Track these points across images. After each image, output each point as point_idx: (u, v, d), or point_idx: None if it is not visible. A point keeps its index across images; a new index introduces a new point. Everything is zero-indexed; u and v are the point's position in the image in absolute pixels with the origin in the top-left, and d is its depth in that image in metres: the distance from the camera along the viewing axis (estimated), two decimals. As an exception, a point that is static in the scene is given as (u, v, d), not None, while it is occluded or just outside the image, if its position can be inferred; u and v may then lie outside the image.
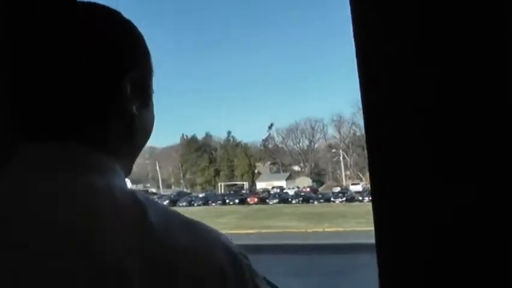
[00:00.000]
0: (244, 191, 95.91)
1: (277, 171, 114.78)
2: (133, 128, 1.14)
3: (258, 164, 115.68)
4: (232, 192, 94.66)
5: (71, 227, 0.91)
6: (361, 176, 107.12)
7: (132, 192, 1.01)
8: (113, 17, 1.14)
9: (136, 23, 1.16)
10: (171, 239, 0.96)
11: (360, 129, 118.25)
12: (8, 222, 0.92)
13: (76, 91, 1.06)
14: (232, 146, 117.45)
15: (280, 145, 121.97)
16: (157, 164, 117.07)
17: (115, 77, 1.09)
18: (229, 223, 51.65)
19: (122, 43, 1.11)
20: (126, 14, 1.18)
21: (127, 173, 1.17)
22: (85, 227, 0.91)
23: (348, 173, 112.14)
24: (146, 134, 1.19)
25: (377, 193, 1.48)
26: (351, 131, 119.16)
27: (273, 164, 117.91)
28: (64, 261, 0.87)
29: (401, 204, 1.42)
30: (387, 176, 1.43)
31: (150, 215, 0.96)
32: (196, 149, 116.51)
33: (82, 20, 1.09)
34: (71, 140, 1.06)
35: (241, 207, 72.79)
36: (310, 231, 43.37)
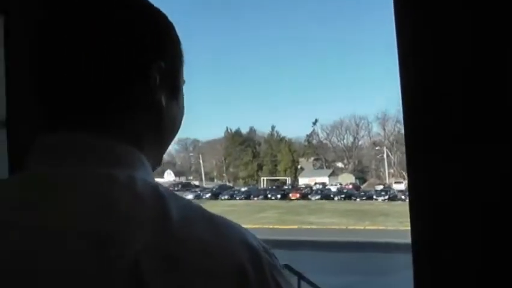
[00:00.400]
0: (286, 187, 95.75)
1: (320, 167, 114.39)
2: (160, 119, 1.09)
3: (301, 160, 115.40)
4: (274, 187, 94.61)
5: (88, 220, 0.88)
6: (405, 174, 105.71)
7: (155, 186, 0.98)
8: (141, 4, 1.10)
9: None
10: (191, 234, 0.92)
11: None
12: (20, 215, 0.90)
13: (98, 78, 1.01)
14: (276, 140, 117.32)
15: (324, 141, 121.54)
16: (201, 157, 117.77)
17: (141, 65, 1.05)
18: (271, 218, 51.73)
19: (150, 31, 1.07)
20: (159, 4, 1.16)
21: (156, 165, 1.14)
22: (102, 220, 0.89)
23: (391, 171, 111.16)
24: (175, 127, 1.16)
25: (414, 192, 1.54)
26: (396, 129, 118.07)
27: (316, 159, 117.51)
28: (79, 255, 0.86)
29: (437, 205, 1.45)
30: (424, 174, 1.46)
31: (171, 209, 0.93)
32: (240, 143, 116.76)
33: (109, 5, 1.05)
34: (92, 130, 1.01)
35: (283, 203, 72.67)
36: (352, 228, 43.17)
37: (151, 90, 1.05)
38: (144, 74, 1.04)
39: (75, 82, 1.00)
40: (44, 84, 1.02)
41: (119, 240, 0.87)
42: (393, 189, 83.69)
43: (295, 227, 44.61)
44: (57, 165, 0.97)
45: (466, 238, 1.41)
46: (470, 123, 1.38)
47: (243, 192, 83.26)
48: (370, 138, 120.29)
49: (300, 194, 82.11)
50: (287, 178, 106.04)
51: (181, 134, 1.25)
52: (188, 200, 0.99)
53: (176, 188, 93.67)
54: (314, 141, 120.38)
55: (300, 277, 11.21)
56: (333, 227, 43.75)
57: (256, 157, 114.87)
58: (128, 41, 1.03)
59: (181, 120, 1.17)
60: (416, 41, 1.44)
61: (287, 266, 10.62)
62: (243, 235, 0.98)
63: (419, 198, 1.53)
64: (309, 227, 44.43)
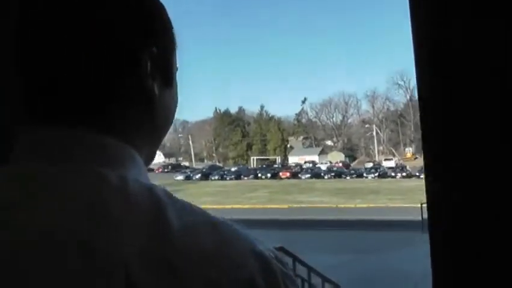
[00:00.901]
0: (276, 166, 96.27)
1: (310, 146, 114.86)
2: (152, 109, 0.99)
3: (291, 139, 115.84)
4: (264, 166, 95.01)
5: (74, 223, 0.81)
6: (394, 151, 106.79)
7: (150, 188, 0.88)
8: None
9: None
10: (191, 242, 0.83)
11: (394, 104, 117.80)
12: (9, 214, 0.83)
13: (83, 68, 0.92)
14: (265, 120, 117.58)
15: (313, 120, 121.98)
16: (190, 138, 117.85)
17: (131, 52, 0.95)
18: (262, 197, 51.97)
19: (139, 13, 0.97)
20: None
21: (148, 160, 1.03)
22: (89, 224, 0.81)
23: (381, 148, 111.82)
24: (169, 118, 1.06)
25: (431, 173, 1.48)
26: (385, 106, 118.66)
27: (306, 138, 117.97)
28: (65, 262, 0.78)
29: (454, 186, 1.43)
30: (441, 156, 1.45)
31: (169, 214, 0.84)
32: (229, 123, 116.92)
33: None
34: (79, 125, 0.92)
35: (274, 182, 73.11)
36: (342, 206, 43.36)
37: (143, 78, 0.96)
38: (134, 61, 0.95)
39: (59, 75, 0.92)
40: (27, 78, 0.93)
41: (105, 250, 0.79)
42: (383, 167, 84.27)
43: (286, 206, 44.76)
44: (46, 162, 0.89)
45: (483, 219, 1.41)
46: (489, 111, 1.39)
47: (233, 172, 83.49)
48: (359, 116, 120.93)
49: (290, 172, 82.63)
50: (277, 157, 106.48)
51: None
52: (189, 203, 0.90)
53: (166, 170, 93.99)
54: (303, 120, 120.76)
55: (295, 259, 11.19)
56: (323, 205, 43.92)
57: (245, 137, 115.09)
58: (114, 26, 0.94)
59: (175, 110, 1.07)
60: (431, 26, 1.47)
61: (282, 249, 10.58)
62: (252, 243, 0.88)
63: (435, 179, 1.49)
64: (299, 205, 44.59)
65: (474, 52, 1.41)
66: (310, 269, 11.52)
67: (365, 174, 78.28)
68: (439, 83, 1.47)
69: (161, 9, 1.02)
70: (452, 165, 1.43)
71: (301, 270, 11.28)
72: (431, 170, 1.48)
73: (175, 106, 1.06)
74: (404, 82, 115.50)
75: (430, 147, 1.50)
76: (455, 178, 1.43)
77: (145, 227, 0.82)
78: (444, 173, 1.45)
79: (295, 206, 44.61)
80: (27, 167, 0.89)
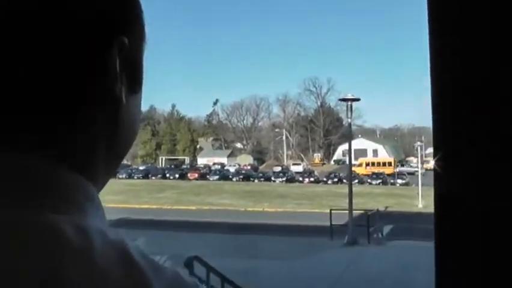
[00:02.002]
0: (185, 166, 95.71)
1: (220, 148, 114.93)
2: (116, 122, 0.73)
3: (201, 140, 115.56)
4: (173, 166, 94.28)
5: None
6: (302, 156, 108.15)
7: (122, 248, 0.63)
8: None
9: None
10: None
11: (304, 109, 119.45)
12: None
13: (28, 67, 0.66)
14: (176, 119, 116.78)
15: (224, 121, 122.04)
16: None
17: (96, 42, 0.69)
18: (170, 198, 51.49)
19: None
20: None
21: (100, 189, 0.74)
22: None
23: (290, 152, 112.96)
24: (133, 133, 0.79)
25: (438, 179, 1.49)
26: (296, 111, 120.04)
27: (216, 140, 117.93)
28: None
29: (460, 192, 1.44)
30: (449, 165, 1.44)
31: None
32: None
33: None
34: (19, 146, 0.66)
35: (182, 182, 72.68)
36: (251, 209, 43.41)
37: (109, 79, 0.70)
38: (99, 55, 0.69)
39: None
40: None
41: None
42: (291, 171, 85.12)
43: (194, 207, 44.42)
44: None
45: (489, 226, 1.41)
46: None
47: (141, 171, 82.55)
48: (270, 119, 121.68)
49: (198, 174, 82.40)
50: (186, 158, 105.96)
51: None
52: (176, 272, 0.65)
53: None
54: (214, 121, 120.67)
55: (210, 269, 11.04)
56: (232, 208, 43.87)
57: (155, 135, 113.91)
58: (74, 7, 0.68)
59: (138, 126, 0.81)
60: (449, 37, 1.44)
61: (197, 258, 10.38)
62: None
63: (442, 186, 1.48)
64: (208, 207, 44.35)
65: (486, 55, 1.40)
66: (224, 279, 11.35)
67: (273, 178, 78.85)
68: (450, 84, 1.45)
69: None
70: (461, 171, 1.44)
71: (215, 281, 11.15)
72: (439, 175, 1.47)
73: (139, 118, 0.82)
74: (316, 88, 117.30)
75: (440, 150, 1.48)
76: (464, 182, 1.43)
77: None
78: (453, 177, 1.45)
79: (204, 207, 44.34)
80: None
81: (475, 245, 1.40)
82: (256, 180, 78.21)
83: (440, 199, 1.45)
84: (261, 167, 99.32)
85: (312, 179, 77.20)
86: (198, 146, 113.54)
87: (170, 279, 0.63)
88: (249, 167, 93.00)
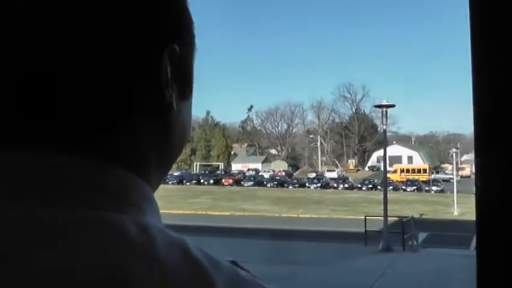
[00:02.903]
0: (219, 172, 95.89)
1: (254, 154, 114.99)
2: (169, 128, 0.74)
3: (235, 146, 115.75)
4: (207, 172, 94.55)
5: None
6: (337, 162, 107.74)
7: (183, 246, 0.63)
8: None
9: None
10: None
11: (339, 116, 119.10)
12: None
13: (83, 76, 0.66)
14: (210, 125, 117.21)
15: (258, 127, 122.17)
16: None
17: (149, 52, 0.70)
18: (205, 203, 51.65)
19: (161, 4, 0.72)
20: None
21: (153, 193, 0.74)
22: None
23: (324, 159, 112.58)
24: (184, 139, 0.80)
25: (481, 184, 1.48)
26: (330, 118, 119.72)
27: (250, 146, 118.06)
28: None
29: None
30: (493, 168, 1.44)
31: None
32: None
33: None
34: (78, 153, 0.66)
35: (216, 188, 72.86)
36: (285, 215, 43.39)
37: (161, 88, 0.71)
38: (152, 64, 0.70)
39: (51, 82, 0.65)
40: (6, 85, 0.66)
41: None
42: (326, 177, 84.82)
43: (228, 213, 44.57)
44: (33, 204, 0.61)
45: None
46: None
47: (176, 177, 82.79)
48: (304, 126, 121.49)
49: (233, 179, 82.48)
50: (220, 164, 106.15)
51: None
52: (234, 268, 0.65)
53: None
54: (248, 128, 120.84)
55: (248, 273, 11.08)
56: (266, 214, 43.89)
57: (189, 142, 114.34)
58: (128, 16, 0.69)
59: (190, 130, 0.82)
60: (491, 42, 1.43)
61: (234, 262, 10.46)
62: None
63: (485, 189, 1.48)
64: (242, 213, 44.47)
65: None
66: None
67: (307, 184, 78.69)
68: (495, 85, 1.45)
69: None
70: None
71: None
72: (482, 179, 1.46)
73: (190, 124, 0.83)
74: (351, 95, 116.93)
75: (482, 156, 1.47)
76: (505, 188, 1.42)
77: None
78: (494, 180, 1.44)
79: (238, 213, 44.46)
80: (8, 211, 0.61)
81: None
82: (290, 187, 78.11)
83: (481, 206, 1.46)
84: (295, 173, 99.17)
85: (346, 185, 76.91)
86: (232, 152, 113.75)
87: (229, 274, 0.63)
88: (283, 173, 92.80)
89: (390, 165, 79.10)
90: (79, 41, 0.65)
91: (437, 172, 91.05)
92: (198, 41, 0.77)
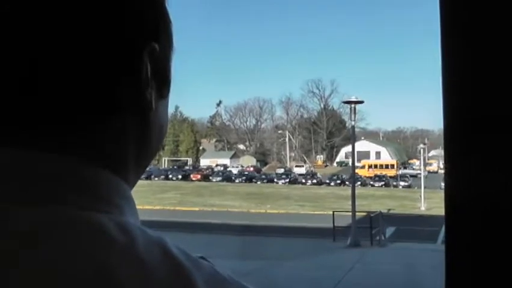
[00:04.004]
0: (187, 167, 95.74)
1: (222, 149, 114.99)
2: (147, 127, 0.74)
3: (204, 141, 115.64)
4: (175, 167, 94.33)
5: None
6: (305, 158, 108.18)
7: (162, 245, 0.63)
8: None
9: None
10: None
11: (307, 111, 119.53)
12: None
13: (65, 71, 0.66)
14: (179, 121, 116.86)
15: (227, 123, 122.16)
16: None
17: (131, 50, 0.70)
18: (173, 199, 51.49)
19: (142, 3, 0.72)
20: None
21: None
22: None
23: (292, 154, 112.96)
24: (162, 137, 0.80)
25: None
26: (299, 113, 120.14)
27: (219, 141, 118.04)
28: None
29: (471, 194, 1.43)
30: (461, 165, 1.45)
31: (197, 286, 0.61)
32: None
33: None
34: (56, 150, 0.65)
35: (185, 183, 72.74)
36: (254, 211, 43.43)
37: (141, 86, 0.70)
38: (132, 61, 0.70)
39: (28, 79, 0.65)
40: None
41: None
42: (294, 173, 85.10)
43: (197, 208, 44.50)
44: (16, 200, 0.61)
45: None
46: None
47: (144, 172, 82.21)
48: (273, 121, 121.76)
49: (201, 175, 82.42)
50: (188, 159, 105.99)
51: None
52: (211, 265, 0.66)
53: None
54: (217, 123, 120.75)
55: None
56: (235, 209, 43.90)
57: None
58: (111, 15, 0.69)
59: (167, 129, 0.82)
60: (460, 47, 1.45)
61: (203, 258, 10.40)
62: None
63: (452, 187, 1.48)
64: (211, 209, 44.41)
65: (499, 57, 1.40)
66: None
67: (275, 180, 78.85)
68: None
69: None
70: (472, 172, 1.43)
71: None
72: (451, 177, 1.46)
73: (167, 123, 0.83)
74: (319, 90, 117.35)
75: (451, 151, 1.47)
76: (473, 183, 1.42)
77: None
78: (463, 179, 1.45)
79: (207, 209, 44.39)
80: None
81: (485, 247, 1.41)
82: (259, 182, 78.25)
83: (449, 200, 1.46)
84: (263, 169, 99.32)
85: (314, 181, 77.20)
86: (200, 148, 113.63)
87: (208, 273, 0.63)
88: (251, 169, 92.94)
89: (359, 160, 79.62)
90: (60, 39, 0.65)
91: (405, 167, 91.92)
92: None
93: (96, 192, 0.65)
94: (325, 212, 35.76)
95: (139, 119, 0.72)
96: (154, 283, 0.59)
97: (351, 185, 27.67)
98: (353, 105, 28.02)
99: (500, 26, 1.39)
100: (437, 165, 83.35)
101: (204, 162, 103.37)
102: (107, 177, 0.67)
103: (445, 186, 1.45)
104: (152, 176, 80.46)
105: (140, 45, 0.70)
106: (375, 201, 48.25)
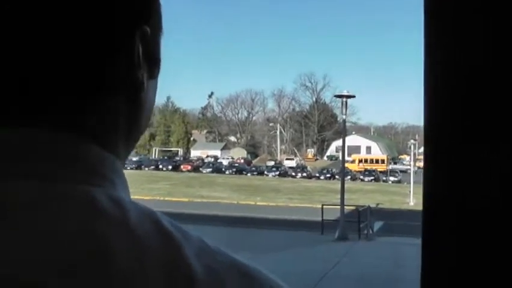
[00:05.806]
0: (178, 158, 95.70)
1: (213, 141, 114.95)
2: (139, 106, 0.76)
3: (195, 132, 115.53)
4: (166, 158, 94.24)
5: (68, 280, 0.57)
6: (296, 151, 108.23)
7: (154, 218, 0.66)
8: None
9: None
10: None
11: (299, 105, 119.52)
12: None
13: (60, 51, 0.67)
14: (170, 111, 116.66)
15: (218, 114, 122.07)
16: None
17: (123, 31, 0.71)
18: (163, 189, 51.53)
19: None
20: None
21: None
22: (95, 279, 0.57)
23: (283, 147, 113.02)
24: (150, 116, 0.82)
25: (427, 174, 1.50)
26: (291, 106, 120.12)
27: (210, 132, 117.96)
28: None
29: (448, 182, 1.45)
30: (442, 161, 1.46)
31: (187, 257, 0.63)
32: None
33: None
34: (53, 125, 0.67)
35: (175, 174, 72.73)
36: (243, 203, 43.50)
37: (133, 67, 0.72)
38: (124, 42, 0.71)
39: (27, 63, 0.67)
40: None
41: None
42: (284, 166, 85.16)
43: (187, 199, 44.60)
44: (13, 174, 0.63)
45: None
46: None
47: (134, 162, 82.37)
48: (264, 114, 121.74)
49: (191, 166, 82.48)
50: (179, 149, 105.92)
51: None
52: (199, 237, 0.68)
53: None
54: (209, 114, 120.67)
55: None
56: (225, 201, 43.94)
57: (149, 127, 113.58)
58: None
59: (153, 109, 0.84)
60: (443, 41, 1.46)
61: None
62: None
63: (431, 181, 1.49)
64: (200, 200, 44.48)
65: (480, 52, 1.42)
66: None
67: (266, 172, 78.98)
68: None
69: None
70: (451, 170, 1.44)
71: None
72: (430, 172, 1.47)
73: (154, 103, 0.84)
74: (312, 84, 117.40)
75: (430, 147, 1.48)
76: (451, 179, 1.44)
77: (161, 279, 0.60)
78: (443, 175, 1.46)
79: (197, 200, 44.47)
80: None
81: (462, 243, 1.41)
82: (249, 174, 78.31)
83: (427, 196, 1.48)
84: (254, 161, 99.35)
85: (304, 174, 77.35)
86: (191, 138, 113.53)
87: (198, 244, 0.65)
88: (242, 161, 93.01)
89: (349, 155, 79.72)
90: (50, 20, 0.66)
91: (395, 163, 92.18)
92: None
93: (88, 166, 0.67)
94: (314, 205, 35.88)
95: (131, 98, 0.74)
96: (146, 254, 0.60)
97: (340, 178, 27.71)
98: (344, 99, 28.08)
99: (481, 28, 1.41)
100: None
101: (195, 153, 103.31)
102: (98, 153, 0.69)
103: (423, 184, 1.47)
104: (143, 166, 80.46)
105: (132, 27, 0.72)
106: (365, 195, 48.38)
